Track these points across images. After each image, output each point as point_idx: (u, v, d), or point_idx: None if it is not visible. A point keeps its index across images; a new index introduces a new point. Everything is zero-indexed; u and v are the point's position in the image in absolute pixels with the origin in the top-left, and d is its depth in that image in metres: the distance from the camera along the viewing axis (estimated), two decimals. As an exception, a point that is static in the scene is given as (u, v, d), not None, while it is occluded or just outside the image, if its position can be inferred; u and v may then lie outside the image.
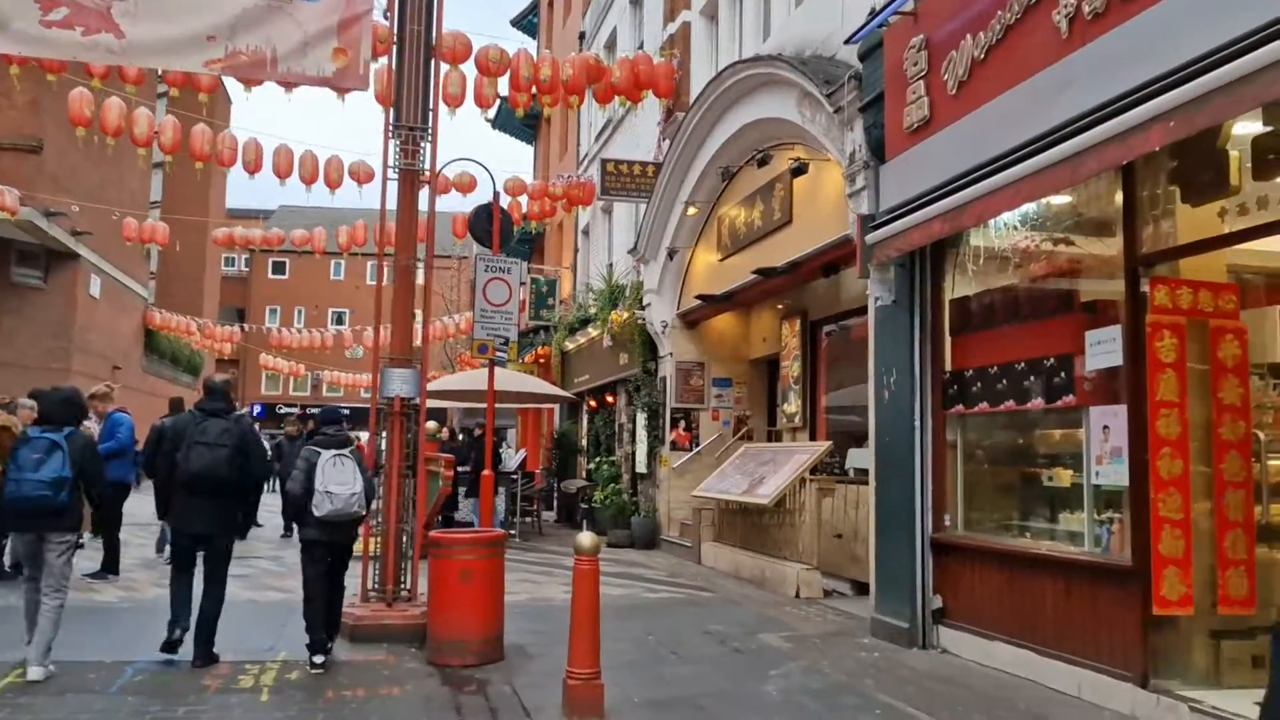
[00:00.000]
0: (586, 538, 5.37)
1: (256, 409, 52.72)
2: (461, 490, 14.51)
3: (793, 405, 12.63)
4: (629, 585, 10.32)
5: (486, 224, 13.06)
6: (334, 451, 6.45)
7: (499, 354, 12.71)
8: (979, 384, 6.82)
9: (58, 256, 26.87)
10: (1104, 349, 5.59)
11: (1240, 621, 5.28)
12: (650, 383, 14.84)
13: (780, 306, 13.12)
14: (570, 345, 19.88)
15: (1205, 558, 5.30)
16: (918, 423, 7.28)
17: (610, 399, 17.80)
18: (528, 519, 17.39)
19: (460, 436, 15.26)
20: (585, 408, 19.94)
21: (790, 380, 12.68)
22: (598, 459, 17.31)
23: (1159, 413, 5.25)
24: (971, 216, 6.09)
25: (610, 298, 16.43)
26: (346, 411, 8.23)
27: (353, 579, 7.25)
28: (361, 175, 16.57)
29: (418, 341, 8.39)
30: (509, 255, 27.62)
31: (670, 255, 13.59)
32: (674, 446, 14.01)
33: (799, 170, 9.48)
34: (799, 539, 10.25)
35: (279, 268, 55.87)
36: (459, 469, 14.20)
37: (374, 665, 6.55)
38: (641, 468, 15.10)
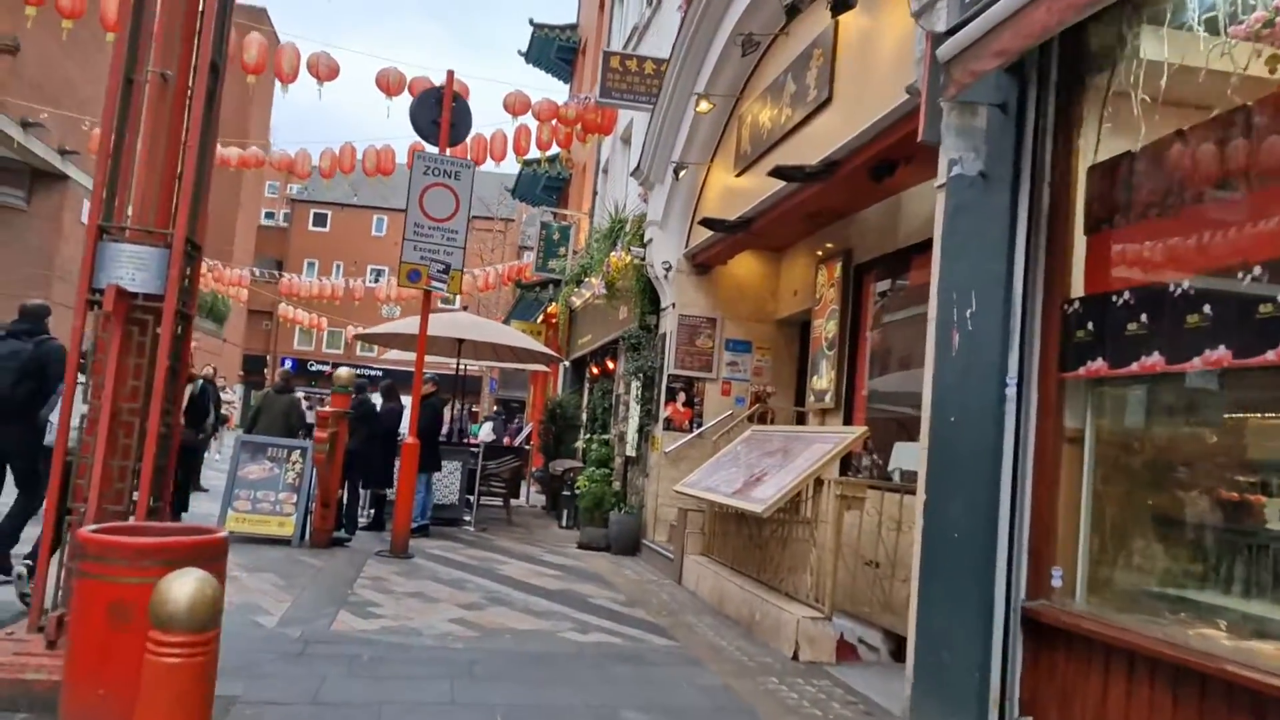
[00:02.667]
0: (178, 590, 2.18)
1: (289, 363, 50.46)
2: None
3: (823, 379, 9.27)
4: (553, 616, 7.09)
5: (433, 112, 9.90)
6: None
7: (435, 284, 9.58)
8: (1141, 319, 3.46)
9: (44, 176, 24.37)
10: None
11: None
12: (649, 342, 11.58)
13: (820, 251, 9.74)
14: (576, 301, 16.66)
15: None
16: (1011, 391, 3.94)
17: (611, 364, 14.58)
18: (502, 503, 14.32)
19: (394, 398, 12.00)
20: (588, 375, 16.77)
21: (823, 344, 9.32)
22: (589, 436, 14.13)
23: None
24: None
25: (611, 236, 13.17)
26: (40, 304, 6.80)
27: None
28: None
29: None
30: (534, 204, 24.51)
31: (676, 174, 10.27)
32: (669, 425, 10.76)
33: (842, 2, 6.11)
34: (810, 565, 6.95)
35: (320, 220, 53.63)
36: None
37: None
38: (632, 450, 11.87)
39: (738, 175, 9.30)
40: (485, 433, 19.98)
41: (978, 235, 4.25)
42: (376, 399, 11.46)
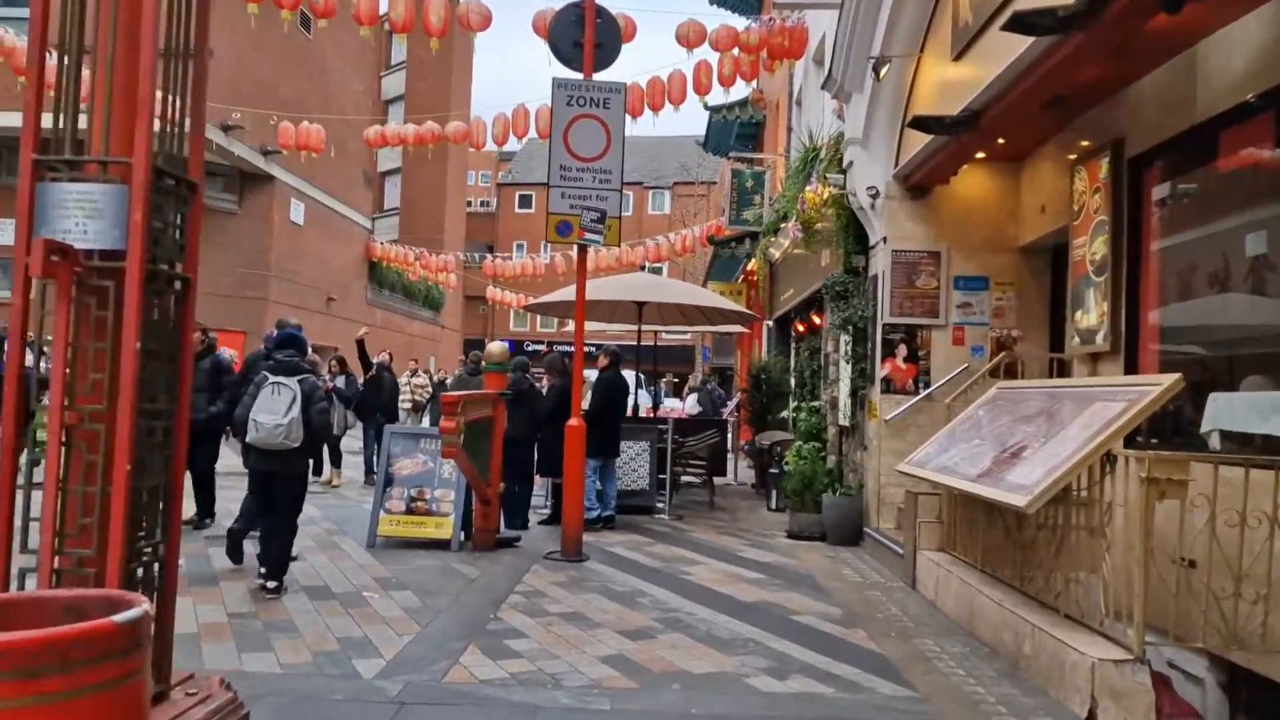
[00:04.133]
0: None
1: (506, 345, 51.14)
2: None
3: (1092, 314, 7.01)
4: (743, 648, 5.37)
5: (574, 31, 8.36)
6: (277, 378, 6.07)
7: (590, 236, 8.07)
8: None
9: (252, 179, 25.04)
10: None
11: None
12: (857, 288, 9.59)
13: (1075, 152, 7.42)
14: (775, 252, 14.79)
15: None
16: None
17: (817, 319, 12.63)
18: (704, 484, 12.79)
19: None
20: (793, 333, 14.88)
21: (1088, 269, 7.05)
22: (797, 404, 12.30)
23: None
24: None
25: (805, 169, 11.20)
26: (297, 332, 6.69)
27: None
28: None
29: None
30: (723, 153, 22.64)
31: (876, 72, 8.21)
32: (888, 386, 8.77)
33: None
34: (1101, 572, 4.88)
35: (525, 201, 54.05)
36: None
37: None
38: (845, 418, 9.94)
39: (956, 59, 7.17)
40: (690, 405, 18.50)
41: None
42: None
